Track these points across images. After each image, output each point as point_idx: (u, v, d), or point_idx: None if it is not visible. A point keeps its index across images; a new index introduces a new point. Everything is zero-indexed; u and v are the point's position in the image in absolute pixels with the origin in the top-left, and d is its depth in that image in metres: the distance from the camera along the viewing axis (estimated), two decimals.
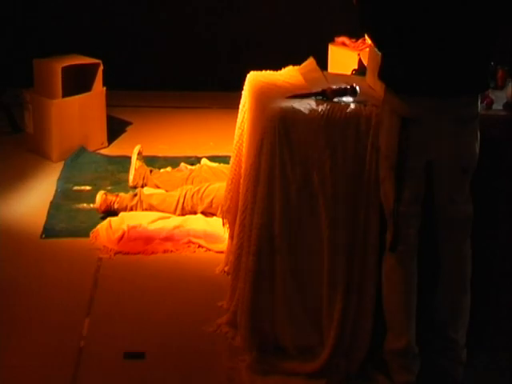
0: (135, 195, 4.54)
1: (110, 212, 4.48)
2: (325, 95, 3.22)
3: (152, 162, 5.13)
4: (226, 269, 3.91)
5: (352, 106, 3.18)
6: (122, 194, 4.57)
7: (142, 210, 4.49)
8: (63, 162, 5.21)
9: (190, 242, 4.26)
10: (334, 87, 3.25)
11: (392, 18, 2.84)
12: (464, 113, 2.92)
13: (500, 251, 3.31)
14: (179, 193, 4.51)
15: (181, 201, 4.48)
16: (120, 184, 4.95)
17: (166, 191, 4.67)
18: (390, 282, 3.07)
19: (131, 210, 4.48)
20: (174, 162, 5.19)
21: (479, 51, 2.87)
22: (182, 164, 5.06)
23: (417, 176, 2.97)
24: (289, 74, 3.69)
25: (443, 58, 2.84)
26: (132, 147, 4.96)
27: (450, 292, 3.11)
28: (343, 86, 3.28)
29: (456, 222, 3.05)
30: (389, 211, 3.02)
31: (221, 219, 3.89)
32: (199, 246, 4.24)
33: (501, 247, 3.31)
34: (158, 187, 4.76)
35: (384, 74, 2.97)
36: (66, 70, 5.24)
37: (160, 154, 5.38)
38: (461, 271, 3.10)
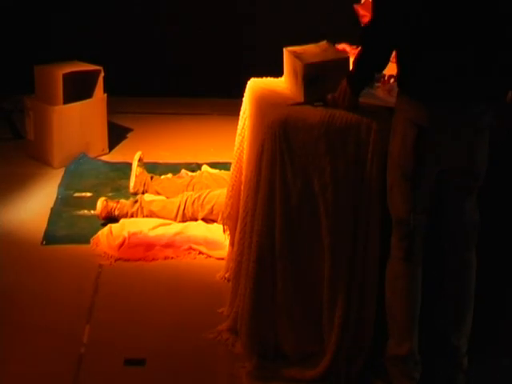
0: (136, 202, 4.54)
1: (111, 218, 4.48)
2: (325, 102, 3.22)
3: (153, 168, 5.13)
4: (226, 275, 3.91)
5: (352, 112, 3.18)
6: (122, 201, 4.57)
7: (143, 216, 4.49)
8: (64, 169, 5.20)
9: (190, 248, 4.26)
10: (335, 94, 3.25)
11: (410, 26, 2.84)
12: (479, 121, 2.91)
13: (503, 259, 3.31)
14: (180, 199, 4.51)
15: (181, 207, 4.48)
16: (121, 190, 4.94)
17: (167, 198, 4.67)
18: (395, 289, 3.06)
19: (132, 216, 4.48)
20: (174, 168, 5.18)
21: (497, 58, 2.87)
22: (183, 170, 5.06)
23: (428, 185, 2.97)
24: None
25: (462, 64, 2.83)
26: (133, 154, 4.96)
27: (454, 299, 3.11)
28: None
29: (463, 229, 3.05)
30: (397, 219, 3.01)
31: (221, 226, 3.89)
32: (200, 252, 4.24)
33: (504, 255, 3.31)
34: (158, 194, 4.76)
35: (402, 81, 2.96)
36: (66, 76, 5.24)
37: (161, 161, 5.38)
38: (466, 279, 3.09)
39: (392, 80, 3.34)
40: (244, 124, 3.69)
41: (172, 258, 4.19)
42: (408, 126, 2.90)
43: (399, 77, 2.98)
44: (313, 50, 3.48)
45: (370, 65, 3.03)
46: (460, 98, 2.88)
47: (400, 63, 2.95)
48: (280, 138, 3.14)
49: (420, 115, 2.88)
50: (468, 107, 2.88)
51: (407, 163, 2.92)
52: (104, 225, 4.44)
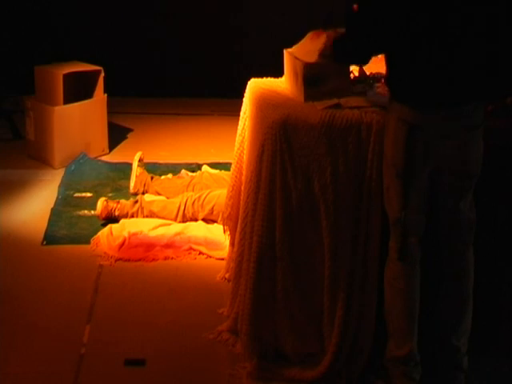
0: (136, 202, 4.55)
1: (111, 219, 4.48)
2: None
3: (153, 168, 5.14)
4: (226, 276, 3.91)
5: (353, 112, 3.18)
6: (122, 201, 4.57)
7: (143, 216, 4.49)
8: (64, 169, 5.21)
9: (190, 248, 4.26)
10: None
11: (400, 31, 2.84)
12: (471, 120, 2.92)
13: (501, 258, 3.31)
14: (180, 200, 4.52)
15: (182, 208, 4.48)
16: (121, 191, 4.95)
17: (167, 198, 4.67)
18: (394, 290, 3.06)
19: (132, 216, 4.48)
20: (174, 168, 5.19)
21: (487, 58, 2.87)
22: (183, 171, 5.07)
23: (423, 184, 2.97)
24: None
25: (451, 68, 2.84)
26: (133, 154, 4.96)
27: (453, 299, 3.11)
28: None
29: (460, 229, 3.05)
30: (393, 219, 3.02)
31: (222, 226, 3.90)
32: (200, 252, 4.24)
33: (502, 254, 3.31)
34: (158, 194, 4.76)
35: (392, 85, 2.97)
36: (67, 76, 5.24)
37: (161, 161, 5.38)
38: (464, 278, 3.09)
39: None
40: (244, 124, 3.69)
41: (172, 258, 4.20)
42: (399, 123, 2.91)
43: (390, 80, 2.98)
44: None
45: (349, 45, 3.03)
46: (451, 99, 2.88)
47: (391, 67, 2.95)
48: (280, 138, 3.14)
49: (411, 114, 2.89)
50: (459, 107, 2.89)
51: (399, 161, 2.92)
52: (104, 225, 4.44)
